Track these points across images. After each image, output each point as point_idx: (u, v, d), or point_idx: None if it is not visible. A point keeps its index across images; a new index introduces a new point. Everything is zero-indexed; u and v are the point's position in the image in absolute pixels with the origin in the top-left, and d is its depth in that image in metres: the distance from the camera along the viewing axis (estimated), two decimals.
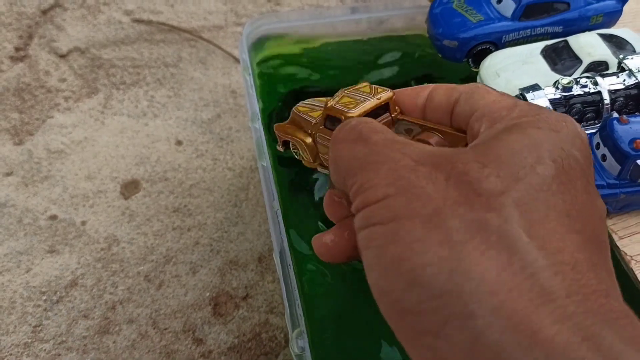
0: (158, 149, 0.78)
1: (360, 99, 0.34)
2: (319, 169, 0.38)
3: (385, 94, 0.34)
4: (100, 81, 0.84)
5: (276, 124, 0.40)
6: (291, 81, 0.68)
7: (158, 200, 0.73)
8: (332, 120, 0.35)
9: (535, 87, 0.48)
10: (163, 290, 0.67)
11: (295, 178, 0.61)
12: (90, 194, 0.74)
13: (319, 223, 0.57)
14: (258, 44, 0.69)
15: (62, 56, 0.86)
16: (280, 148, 0.40)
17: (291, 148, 0.39)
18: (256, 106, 0.57)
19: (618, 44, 0.54)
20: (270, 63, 0.69)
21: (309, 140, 0.37)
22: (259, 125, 0.56)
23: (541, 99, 0.47)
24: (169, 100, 0.83)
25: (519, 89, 0.49)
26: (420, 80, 0.67)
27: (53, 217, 0.72)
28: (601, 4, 0.56)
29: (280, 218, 0.49)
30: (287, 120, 0.39)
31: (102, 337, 0.63)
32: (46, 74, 0.84)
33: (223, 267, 0.69)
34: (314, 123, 0.36)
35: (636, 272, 0.41)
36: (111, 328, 0.64)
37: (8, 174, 0.75)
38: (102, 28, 0.89)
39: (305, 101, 0.39)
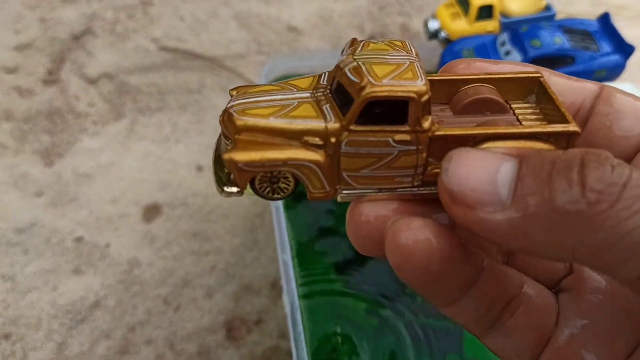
0: (179, 174, 0.81)
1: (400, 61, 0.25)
2: (341, 197, 0.27)
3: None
4: (127, 106, 0.88)
5: (225, 155, 0.26)
6: None
7: (178, 225, 0.77)
8: (383, 104, 0.24)
9: None
10: (180, 313, 0.70)
11: (314, 214, 0.64)
12: (115, 217, 0.78)
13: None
14: (277, 79, 0.73)
15: (92, 81, 0.90)
16: (231, 192, 0.27)
17: (259, 186, 0.27)
18: None
19: None
20: None
21: (319, 157, 0.26)
22: None
23: None
24: (191, 126, 0.86)
25: None
26: None
27: (79, 239, 0.76)
28: (605, 58, 0.58)
29: (288, 255, 0.52)
30: (235, 145, 0.26)
31: (122, 357, 0.67)
32: (76, 98, 0.88)
33: (237, 291, 0.72)
34: (330, 123, 0.25)
35: None
36: (131, 348, 0.68)
37: (38, 195, 0.80)
38: (130, 55, 0.93)
39: (245, 98, 0.27)
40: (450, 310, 0.27)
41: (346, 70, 0.25)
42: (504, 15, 0.62)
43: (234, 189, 0.27)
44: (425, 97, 0.24)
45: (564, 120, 0.26)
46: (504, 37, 0.60)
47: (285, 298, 0.51)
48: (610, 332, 0.27)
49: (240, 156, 0.25)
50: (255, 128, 0.26)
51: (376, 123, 0.25)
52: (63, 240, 0.76)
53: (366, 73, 0.24)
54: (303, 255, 0.60)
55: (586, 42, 0.59)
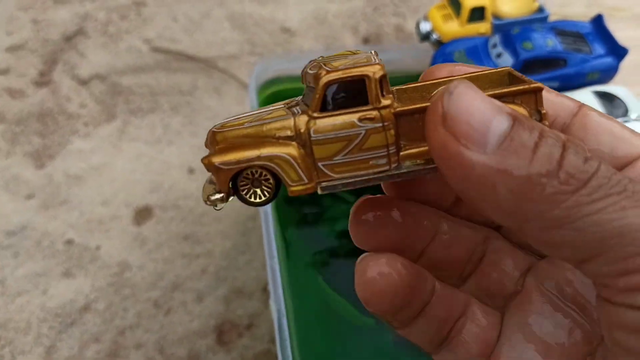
0: (171, 176, 0.81)
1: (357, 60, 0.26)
2: (322, 189, 0.27)
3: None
4: (119, 108, 0.88)
5: (204, 159, 0.28)
6: None
7: (169, 227, 0.77)
8: (343, 89, 0.26)
9: None
10: (170, 316, 0.70)
11: (304, 214, 0.64)
12: (106, 219, 0.77)
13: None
14: (269, 81, 0.72)
15: (84, 82, 0.90)
16: (216, 199, 0.28)
17: (241, 188, 0.28)
18: None
19: (611, 102, 0.55)
20: (281, 98, 0.72)
21: (292, 149, 0.26)
22: None
23: None
24: (183, 128, 0.86)
25: None
26: None
27: (70, 241, 0.75)
28: (598, 61, 0.58)
29: (275, 254, 0.52)
30: (214, 152, 0.28)
31: None
32: (68, 99, 0.88)
33: (229, 295, 0.72)
34: (300, 114, 0.26)
35: None
36: (120, 352, 0.67)
37: (30, 197, 0.79)
38: (122, 55, 0.92)
39: (225, 120, 0.29)
40: (406, 331, 0.30)
41: (308, 69, 0.27)
42: (496, 17, 0.61)
43: (218, 195, 0.28)
44: (379, 74, 0.26)
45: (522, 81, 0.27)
46: (496, 39, 0.59)
47: (272, 305, 0.50)
48: (552, 351, 0.29)
49: (218, 158, 0.27)
50: (232, 136, 0.27)
51: (339, 107, 0.26)
52: (54, 243, 0.75)
53: (323, 66, 0.26)
54: (293, 258, 0.60)
55: (579, 44, 0.58)
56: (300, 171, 0.26)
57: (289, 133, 0.26)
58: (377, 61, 0.26)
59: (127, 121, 0.86)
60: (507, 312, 0.31)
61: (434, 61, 0.61)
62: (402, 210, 0.30)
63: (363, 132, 0.26)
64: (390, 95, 0.26)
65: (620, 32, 0.64)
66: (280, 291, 0.50)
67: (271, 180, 0.27)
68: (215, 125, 0.29)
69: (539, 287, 0.31)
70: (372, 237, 0.29)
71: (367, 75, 0.25)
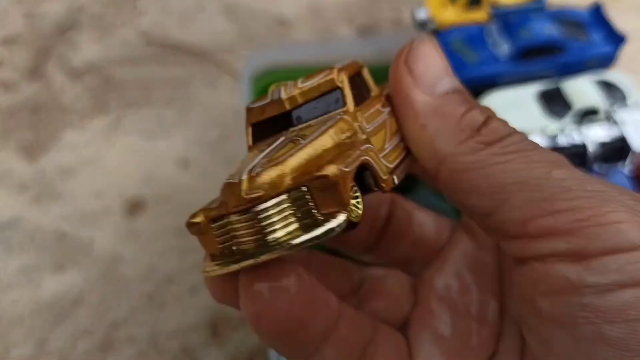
0: (165, 169, 0.80)
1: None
2: (397, 178, 0.27)
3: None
4: (113, 101, 0.87)
5: (315, 181, 0.23)
6: None
7: (163, 220, 0.76)
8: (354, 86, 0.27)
9: None
10: (164, 310, 0.69)
11: None
12: (99, 212, 0.76)
13: None
14: (263, 72, 0.72)
15: (77, 76, 0.89)
16: (341, 222, 0.23)
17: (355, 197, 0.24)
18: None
19: (610, 90, 0.55)
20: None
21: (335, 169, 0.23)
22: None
23: None
24: (177, 120, 0.85)
25: None
26: None
27: (63, 234, 0.74)
28: (595, 49, 0.57)
29: None
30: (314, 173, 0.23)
31: (104, 354, 0.66)
32: (61, 92, 0.87)
33: None
34: (339, 118, 0.26)
35: None
36: (113, 345, 0.66)
37: (22, 190, 0.78)
38: (116, 49, 0.91)
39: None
40: None
41: (284, 92, 0.29)
42: (494, 4, 0.60)
43: (342, 216, 0.23)
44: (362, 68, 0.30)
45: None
46: (493, 27, 0.58)
47: None
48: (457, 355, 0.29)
49: (334, 169, 0.23)
50: (316, 156, 0.25)
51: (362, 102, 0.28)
52: (46, 236, 0.74)
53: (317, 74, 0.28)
54: None
55: (577, 32, 0.58)
56: (382, 163, 0.26)
57: (350, 134, 0.26)
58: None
59: (121, 114, 0.85)
60: (411, 328, 0.31)
61: None
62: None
63: (387, 116, 0.28)
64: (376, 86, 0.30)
65: (619, 22, 0.63)
66: None
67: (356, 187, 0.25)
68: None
69: (433, 294, 0.31)
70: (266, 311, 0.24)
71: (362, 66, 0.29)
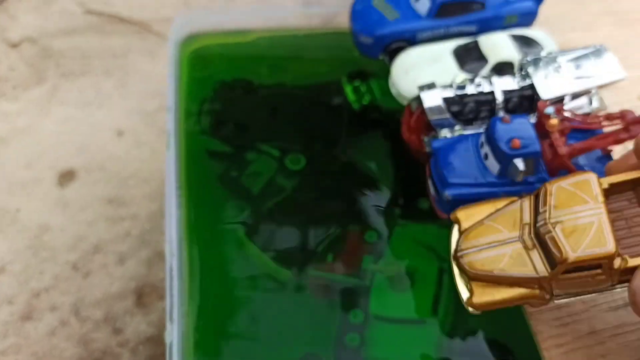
0: (99, 139, 0.78)
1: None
2: (556, 300, 0.37)
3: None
4: (50, 71, 0.85)
5: (467, 301, 0.37)
6: (225, 72, 0.69)
7: (94, 190, 0.74)
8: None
9: (430, 86, 0.48)
10: (89, 279, 0.67)
11: (225, 171, 0.61)
12: (28, 181, 0.74)
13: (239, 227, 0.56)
14: (193, 35, 0.70)
15: (14, 45, 0.87)
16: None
17: None
18: (172, 99, 0.58)
19: (528, 45, 0.54)
20: (205, 54, 0.70)
21: (536, 292, 0.36)
22: (171, 116, 0.56)
23: (434, 96, 0.47)
24: (115, 91, 0.83)
25: (418, 86, 0.49)
26: (353, 76, 0.67)
27: None
28: (516, 4, 0.56)
29: (174, 220, 0.49)
30: (472, 292, 0.37)
31: (24, 323, 0.64)
32: None
33: (152, 258, 0.69)
34: (541, 274, 0.35)
35: None
36: (34, 314, 0.65)
37: None
38: (54, 18, 0.89)
39: (470, 246, 0.37)
40: None
41: (547, 238, 0.34)
42: None
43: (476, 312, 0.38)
44: (614, 256, 0.33)
45: None
46: None
47: (166, 250, 0.48)
48: None
49: (479, 300, 0.37)
50: (483, 276, 0.36)
51: (575, 271, 0.34)
52: None
53: (564, 244, 0.33)
54: (203, 211, 0.57)
55: None
56: (540, 302, 0.36)
57: (533, 286, 0.36)
58: (609, 238, 0.33)
59: (58, 84, 0.84)
60: None
61: (353, 7, 0.59)
62: None
63: (594, 281, 0.35)
64: (619, 259, 0.34)
65: None
66: (174, 244, 0.47)
67: None
68: (463, 255, 0.37)
69: None
70: None
71: (604, 262, 0.33)
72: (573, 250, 0.33)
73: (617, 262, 0.34)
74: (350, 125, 0.64)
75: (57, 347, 0.62)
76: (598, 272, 0.34)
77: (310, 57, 0.72)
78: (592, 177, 0.36)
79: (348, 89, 0.65)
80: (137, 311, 0.65)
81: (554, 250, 0.34)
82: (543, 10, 0.58)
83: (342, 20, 0.69)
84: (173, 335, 0.42)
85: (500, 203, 0.39)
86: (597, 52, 0.49)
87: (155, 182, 0.75)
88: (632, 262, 0.34)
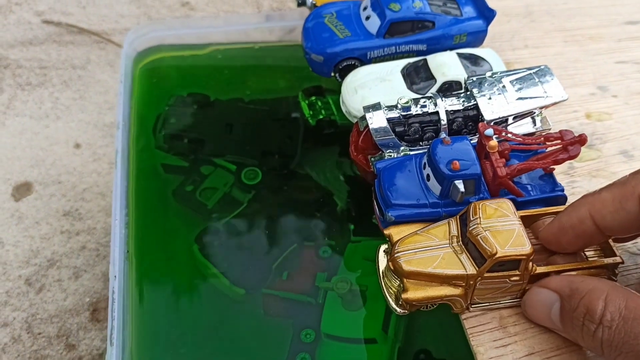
0: (55, 152, 0.77)
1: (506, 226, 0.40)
2: (472, 310, 0.43)
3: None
4: (6, 81, 0.84)
5: (403, 296, 0.40)
6: (181, 86, 0.68)
7: (49, 204, 0.73)
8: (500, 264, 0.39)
9: (375, 107, 0.49)
10: (43, 294, 0.67)
11: (179, 186, 0.61)
12: None
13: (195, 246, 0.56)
14: (148, 49, 0.69)
15: None
16: (403, 311, 0.42)
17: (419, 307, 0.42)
18: (121, 115, 0.58)
19: (476, 64, 0.54)
20: (160, 66, 0.70)
21: (462, 291, 0.41)
22: (119, 134, 0.56)
23: (379, 117, 0.48)
24: (73, 102, 0.82)
25: (363, 107, 0.49)
26: (309, 93, 0.68)
27: None
28: (465, 23, 0.57)
29: (118, 241, 0.49)
30: (405, 288, 0.40)
31: None
32: None
33: (107, 272, 0.69)
34: (469, 272, 0.40)
35: None
36: None
37: None
38: (11, 28, 0.88)
39: (405, 250, 0.41)
40: None
41: (478, 237, 0.39)
42: None
43: (404, 311, 0.42)
44: (531, 256, 0.39)
45: (612, 254, 0.43)
46: (367, 1, 0.58)
47: (111, 268, 0.48)
48: None
49: (413, 295, 0.40)
50: (418, 273, 0.40)
51: (498, 270, 0.40)
52: None
53: (493, 242, 0.39)
54: (158, 230, 0.57)
55: (448, 6, 0.57)
56: (463, 303, 0.41)
57: (461, 283, 0.40)
58: (527, 241, 0.39)
59: (14, 95, 0.83)
60: None
61: (305, 24, 0.59)
62: None
63: (510, 285, 0.41)
64: (532, 264, 0.40)
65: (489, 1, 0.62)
66: (117, 263, 0.47)
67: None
68: (399, 256, 0.41)
69: None
70: None
71: (523, 259, 0.39)
72: (501, 247, 0.38)
73: (530, 265, 0.40)
74: (306, 140, 0.64)
75: None
76: (515, 272, 0.40)
77: (268, 70, 0.72)
78: (508, 201, 0.41)
79: (304, 104, 0.66)
80: (91, 326, 0.65)
81: (485, 246, 0.39)
82: (495, 27, 0.59)
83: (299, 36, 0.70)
84: (114, 358, 0.42)
85: (428, 224, 0.44)
86: (541, 72, 0.50)
87: (111, 195, 0.75)
88: (539, 269, 0.41)
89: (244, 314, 0.52)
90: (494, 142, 0.43)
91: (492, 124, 0.47)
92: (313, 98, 0.67)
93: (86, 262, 0.69)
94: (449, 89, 0.52)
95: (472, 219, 0.40)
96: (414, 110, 0.48)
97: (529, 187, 0.46)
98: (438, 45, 0.56)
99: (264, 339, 0.51)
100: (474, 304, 0.42)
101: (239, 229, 0.57)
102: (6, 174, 0.75)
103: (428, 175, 0.44)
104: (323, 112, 0.65)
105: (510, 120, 0.48)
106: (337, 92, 0.67)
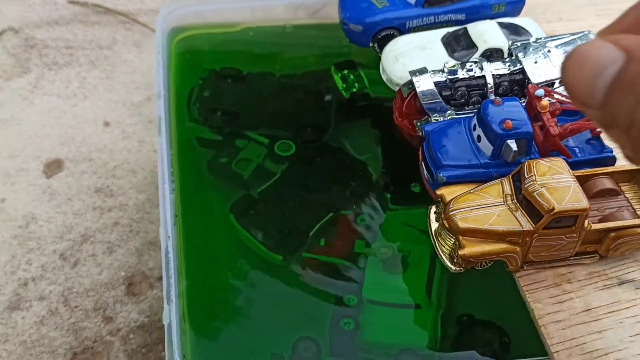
0: (85, 130, 0.78)
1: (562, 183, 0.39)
2: (526, 267, 0.43)
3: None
4: (33, 61, 0.84)
5: (460, 252, 0.41)
6: (213, 61, 0.69)
7: (80, 180, 0.73)
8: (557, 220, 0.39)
9: (422, 70, 0.49)
10: (78, 268, 0.67)
11: (214, 158, 0.61)
12: (12, 172, 0.74)
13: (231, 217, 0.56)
14: (181, 25, 0.70)
15: None
16: (458, 269, 0.42)
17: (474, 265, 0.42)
18: (162, 85, 0.58)
19: (516, 33, 0.55)
20: (193, 43, 0.70)
21: (519, 248, 0.41)
22: (161, 103, 0.56)
23: (426, 81, 0.48)
24: (100, 82, 0.83)
25: (409, 71, 0.49)
26: (341, 67, 0.68)
27: None
28: None
29: (168, 204, 0.49)
30: (460, 244, 0.41)
31: (12, 313, 0.63)
32: None
33: (141, 247, 0.69)
34: (526, 228, 0.40)
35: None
36: (21, 304, 0.64)
37: None
38: (37, 8, 0.89)
39: (460, 208, 0.41)
40: None
41: (535, 194, 0.39)
42: None
43: (460, 269, 0.42)
44: (588, 212, 0.39)
45: None
46: None
47: (161, 231, 0.48)
48: None
49: (470, 251, 0.41)
50: (474, 230, 0.41)
51: (554, 227, 0.40)
52: None
53: (550, 198, 0.39)
54: (199, 201, 0.57)
55: None
56: (519, 260, 0.42)
57: (517, 239, 0.40)
58: (583, 197, 0.39)
59: (41, 75, 0.83)
60: None
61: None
62: None
63: (565, 242, 0.41)
64: (588, 221, 0.40)
65: None
66: (169, 228, 0.47)
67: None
68: (454, 214, 0.41)
69: None
70: None
71: (581, 214, 0.39)
72: (558, 203, 0.38)
73: (586, 222, 0.40)
74: (339, 113, 0.65)
75: (46, 336, 0.62)
76: (571, 229, 0.40)
77: (298, 47, 0.72)
78: (561, 159, 0.42)
79: (337, 78, 0.66)
80: (127, 300, 0.65)
81: (542, 202, 0.39)
82: (528, 1, 0.60)
83: (328, 12, 0.70)
84: (171, 316, 0.42)
85: (479, 184, 0.44)
86: (584, 37, 0.51)
87: (142, 173, 0.75)
88: (595, 226, 0.41)
89: (284, 279, 0.53)
90: (545, 102, 0.43)
91: (536, 85, 0.48)
92: (345, 71, 0.67)
93: (119, 237, 0.70)
94: (490, 56, 0.53)
95: (526, 176, 0.40)
96: (461, 74, 0.48)
97: (577, 150, 0.46)
98: (477, 14, 0.57)
99: (305, 304, 0.51)
100: (527, 262, 0.43)
101: (274, 198, 0.58)
102: (36, 150, 0.75)
103: (479, 136, 0.44)
104: (356, 85, 0.66)
105: (556, 83, 0.48)
106: (368, 66, 0.68)
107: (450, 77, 0.48)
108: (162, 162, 0.52)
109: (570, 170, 0.41)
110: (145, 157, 0.76)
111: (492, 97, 0.48)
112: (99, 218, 0.71)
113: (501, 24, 0.55)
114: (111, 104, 0.80)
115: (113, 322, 0.63)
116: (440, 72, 0.49)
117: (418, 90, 0.48)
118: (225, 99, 0.65)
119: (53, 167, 0.74)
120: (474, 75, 0.48)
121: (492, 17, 0.57)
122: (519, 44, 0.50)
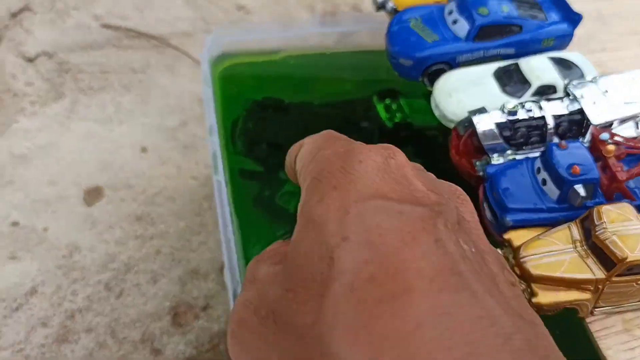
0: (122, 156, 0.78)
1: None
2: (596, 315, 0.43)
3: None
4: (67, 86, 0.84)
5: (533, 300, 0.41)
6: (255, 91, 0.69)
7: (121, 208, 0.74)
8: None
9: (481, 110, 0.49)
10: (123, 299, 0.67)
11: (259, 192, 0.62)
12: (53, 199, 0.74)
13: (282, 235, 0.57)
14: (223, 53, 0.70)
15: (30, 60, 0.86)
16: None
17: None
18: (213, 119, 0.58)
19: (567, 68, 0.55)
20: (235, 72, 0.70)
21: (590, 296, 0.41)
22: (215, 138, 0.56)
23: (486, 121, 0.48)
24: (135, 106, 0.83)
25: (468, 111, 0.50)
26: (383, 95, 0.68)
27: (15, 223, 0.72)
28: (552, 27, 0.57)
29: (231, 235, 0.50)
30: (533, 292, 0.41)
31: (60, 346, 0.64)
32: (13, 77, 0.84)
33: (184, 276, 0.69)
34: (598, 276, 0.40)
35: None
36: (70, 337, 0.64)
37: None
38: (70, 33, 0.89)
39: (530, 254, 0.41)
40: None
41: (607, 242, 0.40)
42: None
43: None
44: None
45: None
46: (452, 5, 0.58)
47: (226, 274, 0.48)
48: None
49: (544, 300, 0.41)
50: (546, 278, 0.41)
51: (626, 274, 0.40)
52: None
53: (622, 247, 0.39)
54: (248, 232, 0.58)
55: (534, 10, 0.58)
56: (590, 307, 0.42)
57: (589, 287, 0.41)
58: None
59: (76, 100, 0.83)
60: None
61: (390, 29, 0.59)
62: None
63: (636, 288, 0.41)
64: None
65: (576, 5, 0.63)
66: (237, 272, 0.48)
67: None
68: (526, 261, 0.42)
69: None
70: None
71: None
72: (631, 251, 0.39)
73: None
74: (382, 142, 0.65)
75: None
76: None
77: (336, 76, 0.72)
78: (629, 205, 0.42)
79: (380, 107, 0.66)
80: (174, 331, 0.65)
81: (615, 251, 0.39)
82: None
83: (359, 40, 0.70)
84: None
85: (546, 229, 0.44)
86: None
87: (181, 199, 0.75)
88: None
89: None
90: (611, 147, 0.44)
91: (598, 128, 0.48)
92: (387, 101, 0.68)
93: (162, 266, 0.70)
94: (543, 93, 0.53)
95: (596, 223, 0.41)
96: (521, 114, 0.49)
97: (637, 191, 0.47)
98: (526, 49, 0.57)
99: None
100: (597, 307, 0.43)
101: None
102: (76, 178, 0.76)
103: (544, 180, 0.45)
104: (398, 115, 0.66)
105: (615, 124, 0.49)
106: (408, 95, 0.68)
107: (510, 117, 0.49)
108: (220, 204, 0.52)
109: (638, 215, 0.41)
110: (183, 183, 0.77)
111: (552, 137, 0.49)
112: (141, 247, 0.71)
113: (552, 59, 0.55)
114: (147, 129, 0.81)
115: (162, 355, 0.63)
116: (500, 112, 0.49)
117: (479, 130, 0.48)
118: (268, 130, 0.66)
119: (93, 194, 0.75)
120: (533, 116, 0.49)
121: (541, 51, 0.57)
122: (575, 82, 0.51)
